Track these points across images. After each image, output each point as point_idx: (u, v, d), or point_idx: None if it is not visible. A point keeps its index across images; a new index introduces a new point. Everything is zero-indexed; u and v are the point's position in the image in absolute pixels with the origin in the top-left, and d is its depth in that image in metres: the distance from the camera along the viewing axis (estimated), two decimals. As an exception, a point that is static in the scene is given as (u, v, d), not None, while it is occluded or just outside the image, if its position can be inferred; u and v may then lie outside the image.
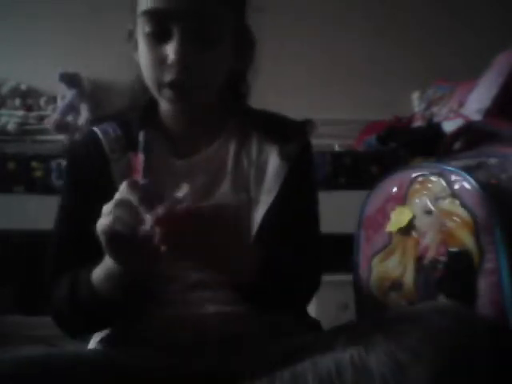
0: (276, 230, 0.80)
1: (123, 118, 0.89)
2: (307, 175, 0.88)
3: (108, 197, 0.80)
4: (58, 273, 0.81)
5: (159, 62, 0.78)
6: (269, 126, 0.87)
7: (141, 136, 0.84)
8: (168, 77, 0.78)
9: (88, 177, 0.84)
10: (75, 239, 0.82)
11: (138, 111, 0.89)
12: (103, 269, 0.72)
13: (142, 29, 0.78)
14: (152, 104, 0.87)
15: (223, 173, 0.85)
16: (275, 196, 0.81)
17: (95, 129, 0.87)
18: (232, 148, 0.86)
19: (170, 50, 0.76)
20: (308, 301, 0.87)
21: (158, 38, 0.77)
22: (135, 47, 0.83)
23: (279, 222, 0.81)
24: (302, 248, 0.84)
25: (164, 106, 0.85)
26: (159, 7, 0.76)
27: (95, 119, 0.93)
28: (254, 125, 0.88)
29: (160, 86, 0.80)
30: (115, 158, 0.84)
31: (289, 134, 0.86)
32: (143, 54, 0.80)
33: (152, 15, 0.77)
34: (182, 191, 0.63)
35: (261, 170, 0.84)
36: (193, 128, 0.87)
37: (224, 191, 0.84)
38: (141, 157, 0.83)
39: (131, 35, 0.85)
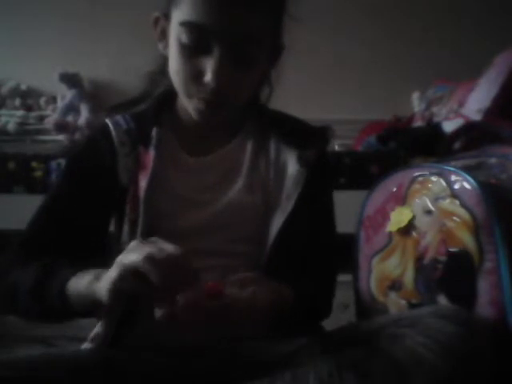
0: (295, 237, 0.80)
1: (138, 110, 0.87)
2: (326, 183, 0.88)
3: (108, 191, 0.80)
4: (23, 258, 0.78)
5: (194, 75, 0.75)
6: (287, 129, 0.86)
7: (154, 132, 0.83)
8: (202, 93, 0.76)
9: (91, 170, 0.83)
10: (54, 230, 0.81)
11: (155, 102, 0.87)
12: (87, 289, 0.68)
13: (179, 36, 0.75)
14: (170, 94, 0.86)
15: (238, 172, 0.85)
16: (295, 202, 0.81)
17: (107, 120, 0.86)
18: (249, 147, 0.86)
19: (209, 67, 0.74)
20: (329, 312, 0.87)
21: (195, 49, 0.75)
22: (166, 44, 0.80)
23: (299, 230, 0.80)
24: (321, 257, 0.85)
25: (185, 103, 0.82)
26: (204, 23, 0.73)
27: (112, 107, 0.90)
28: (273, 126, 0.87)
29: (190, 95, 0.78)
30: (124, 152, 0.82)
31: (308, 140, 0.85)
32: (176, 62, 0.77)
33: (193, 28, 0.74)
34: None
35: (280, 173, 0.84)
36: (210, 126, 0.86)
37: (238, 191, 0.83)
38: (151, 154, 0.82)
39: (157, 22, 0.82)
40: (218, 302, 0.64)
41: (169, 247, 0.61)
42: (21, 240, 0.82)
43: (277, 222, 0.81)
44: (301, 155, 0.83)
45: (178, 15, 0.76)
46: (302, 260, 0.82)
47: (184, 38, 0.74)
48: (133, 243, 0.65)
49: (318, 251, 0.85)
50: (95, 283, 0.66)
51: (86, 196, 0.81)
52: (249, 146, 0.86)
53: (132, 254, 0.62)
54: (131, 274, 0.61)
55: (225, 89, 0.75)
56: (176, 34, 0.76)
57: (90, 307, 0.69)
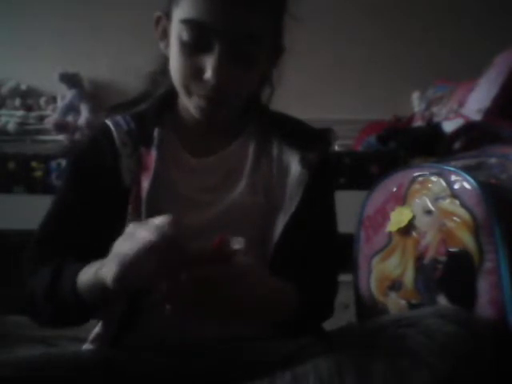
0: (299, 237, 0.80)
1: (138, 110, 0.87)
2: (328, 184, 0.88)
3: (112, 192, 0.80)
4: (38, 261, 0.79)
5: (194, 72, 0.76)
6: (290, 131, 0.86)
7: (156, 132, 0.83)
8: (202, 90, 0.76)
9: (94, 171, 0.82)
10: (65, 231, 0.81)
11: (156, 101, 0.87)
12: (95, 277, 0.66)
13: (179, 34, 0.76)
14: (171, 94, 0.86)
15: (240, 173, 0.84)
16: (298, 203, 0.80)
17: (107, 121, 0.85)
18: (251, 149, 0.86)
19: (209, 64, 0.74)
20: (331, 311, 0.86)
21: (196, 47, 0.75)
22: (167, 44, 0.81)
23: (302, 230, 0.80)
24: (322, 258, 0.84)
25: (186, 101, 0.82)
26: (204, 20, 0.73)
27: (112, 107, 0.90)
28: (275, 128, 0.87)
29: (191, 93, 0.78)
30: (126, 153, 0.82)
31: (310, 142, 0.85)
32: (177, 60, 0.78)
33: (194, 25, 0.74)
34: (239, 244, 0.61)
35: (283, 173, 0.83)
36: (211, 126, 0.86)
37: (240, 191, 0.83)
38: (153, 154, 0.82)
39: (158, 22, 0.82)
40: (227, 260, 0.61)
41: (162, 222, 0.59)
42: (35, 241, 0.82)
43: (281, 222, 0.80)
44: (303, 156, 0.83)
45: (179, 13, 0.76)
46: (304, 260, 0.82)
47: (185, 36, 0.75)
48: (128, 228, 0.62)
49: (319, 252, 0.84)
50: (100, 271, 0.65)
51: (91, 197, 0.81)
52: (251, 147, 0.86)
53: (127, 243, 0.60)
54: (130, 266, 0.59)
55: (225, 86, 0.75)
56: (177, 32, 0.76)
57: (100, 296, 0.68)
